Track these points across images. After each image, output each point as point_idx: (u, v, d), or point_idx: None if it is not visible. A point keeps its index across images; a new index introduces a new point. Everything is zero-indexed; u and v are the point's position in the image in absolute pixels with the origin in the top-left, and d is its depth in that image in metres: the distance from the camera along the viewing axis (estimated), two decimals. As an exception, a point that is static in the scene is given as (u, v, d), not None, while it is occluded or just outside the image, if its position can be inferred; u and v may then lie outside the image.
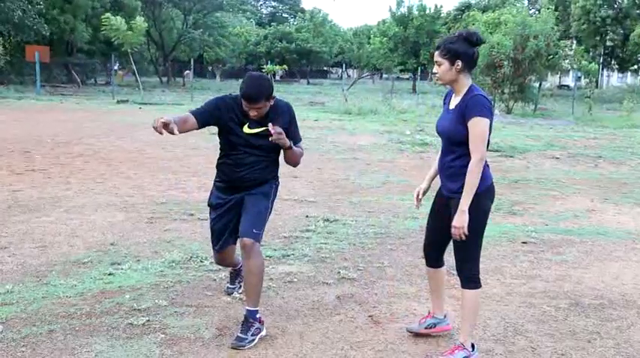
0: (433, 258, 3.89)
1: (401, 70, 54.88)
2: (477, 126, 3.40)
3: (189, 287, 4.70)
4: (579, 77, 33.58)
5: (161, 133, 3.47)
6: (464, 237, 3.46)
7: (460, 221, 3.45)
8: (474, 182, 3.45)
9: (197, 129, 3.87)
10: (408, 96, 34.92)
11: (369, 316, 4.28)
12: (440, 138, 3.69)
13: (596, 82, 44.16)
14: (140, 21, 31.59)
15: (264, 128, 3.86)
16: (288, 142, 3.87)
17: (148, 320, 4.06)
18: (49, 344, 3.68)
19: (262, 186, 4.06)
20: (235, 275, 4.59)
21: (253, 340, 3.76)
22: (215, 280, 4.87)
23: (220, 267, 4.78)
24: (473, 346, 3.63)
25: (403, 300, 4.59)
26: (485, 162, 3.53)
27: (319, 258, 5.53)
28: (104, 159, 10.85)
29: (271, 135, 3.76)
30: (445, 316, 4.01)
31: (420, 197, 3.91)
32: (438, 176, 3.79)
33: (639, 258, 5.86)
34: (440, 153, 3.74)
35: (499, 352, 3.78)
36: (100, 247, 5.69)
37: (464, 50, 3.46)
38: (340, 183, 9.38)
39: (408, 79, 63.32)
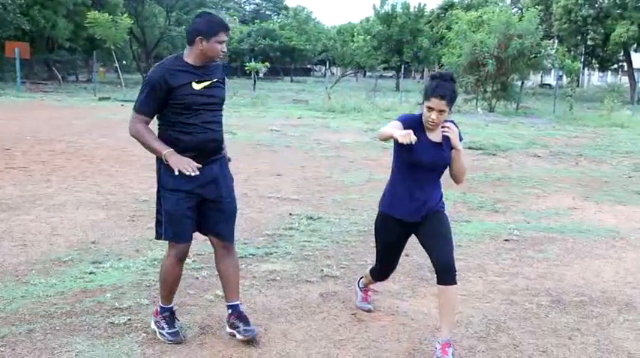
0: (385, 277, 4.25)
1: (384, 68, 55.00)
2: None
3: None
4: (561, 76, 33.84)
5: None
6: (453, 139, 3.60)
7: (456, 134, 3.62)
8: (465, 168, 3.77)
9: None
10: (392, 94, 35.00)
11: (353, 314, 4.28)
12: (408, 169, 3.69)
13: (578, 81, 44.56)
14: (125, 19, 31.43)
15: (212, 81, 3.68)
16: None
17: (130, 319, 4.02)
18: (28, 344, 3.64)
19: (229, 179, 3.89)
20: (172, 315, 3.90)
21: (257, 329, 3.86)
22: (197, 278, 4.84)
23: (201, 266, 4.74)
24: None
25: (386, 298, 4.59)
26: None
27: (302, 256, 5.52)
28: (86, 157, 10.75)
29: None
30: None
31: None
32: (396, 203, 3.77)
33: (619, 256, 5.92)
34: (409, 180, 3.70)
35: (481, 349, 3.80)
36: (81, 245, 5.63)
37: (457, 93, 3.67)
38: (323, 181, 9.37)
39: (391, 77, 63.53)
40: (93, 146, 12.08)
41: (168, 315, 3.85)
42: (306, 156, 11.87)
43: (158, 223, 3.76)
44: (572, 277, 5.23)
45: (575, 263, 5.64)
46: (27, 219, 6.50)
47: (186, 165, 3.50)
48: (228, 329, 3.86)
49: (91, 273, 4.87)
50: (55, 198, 7.47)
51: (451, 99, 3.55)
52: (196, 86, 3.60)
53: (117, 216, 6.75)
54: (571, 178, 10.44)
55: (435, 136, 3.65)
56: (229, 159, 3.99)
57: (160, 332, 3.79)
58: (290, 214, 7.06)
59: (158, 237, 3.80)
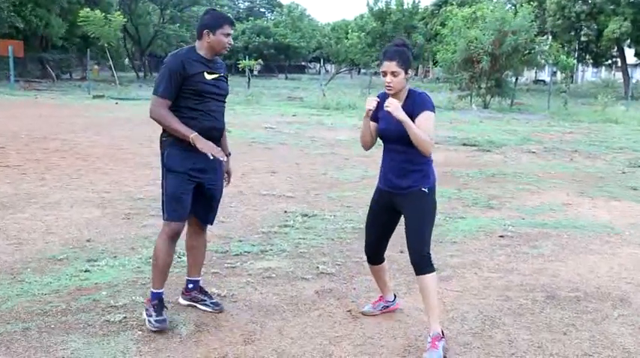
0: (376, 256, 4.11)
1: (379, 65, 55.00)
2: (429, 118, 3.67)
3: (167, 284, 4.65)
4: (555, 72, 33.91)
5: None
6: (392, 111, 3.59)
7: (397, 105, 3.62)
8: (421, 137, 3.58)
9: None
10: (386, 91, 34.93)
11: (348, 311, 4.28)
12: (384, 142, 3.86)
13: (572, 76, 44.65)
14: (119, 17, 31.33)
15: (219, 74, 4.00)
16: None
17: (125, 317, 4.02)
18: (23, 342, 3.64)
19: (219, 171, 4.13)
20: (161, 303, 4.00)
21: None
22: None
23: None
24: (442, 332, 3.74)
25: (378, 295, 4.59)
26: (432, 161, 3.84)
27: (298, 253, 5.53)
28: (80, 155, 10.73)
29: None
30: (395, 297, 4.29)
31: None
32: (381, 176, 3.92)
33: (614, 251, 5.94)
34: (386, 155, 3.87)
35: (477, 345, 3.81)
36: (76, 244, 5.62)
37: (412, 58, 3.74)
38: (318, 178, 9.38)
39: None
40: (87, 144, 12.05)
41: (157, 303, 3.95)
42: (301, 154, 11.87)
43: (163, 204, 3.99)
44: (566, 273, 5.24)
45: (569, 259, 5.66)
46: (22, 217, 6.49)
47: (214, 149, 3.81)
48: (184, 302, 4.27)
49: (86, 271, 4.86)
50: (50, 197, 7.46)
51: (402, 61, 3.66)
52: (208, 76, 3.90)
53: (112, 214, 6.74)
54: (565, 174, 10.47)
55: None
56: (229, 154, 4.24)
57: (147, 320, 3.90)
58: (285, 211, 7.06)
59: (165, 218, 3.99)
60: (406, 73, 3.70)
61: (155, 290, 3.99)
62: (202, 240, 4.28)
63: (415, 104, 3.68)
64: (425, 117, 3.64)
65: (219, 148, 3.89)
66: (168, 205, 3.93)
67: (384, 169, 3.89)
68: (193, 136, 3.78)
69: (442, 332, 3.71)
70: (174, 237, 3.98)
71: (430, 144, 3.61)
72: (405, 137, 3.62)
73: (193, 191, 3.98)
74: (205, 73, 3.88)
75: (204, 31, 3.88)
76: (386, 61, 3.68)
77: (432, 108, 3.71)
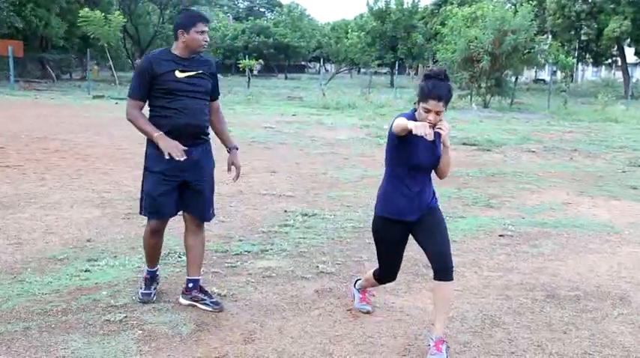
0: (393, 280, 4.13)
1: (378, 65, 54.95)
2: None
3: (167, 283, 4.67)
4: (555, 71, 33.91)
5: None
6: (445, 133, 3.54)
7: (448, 129, 3.56)
8: (450, 162, 3.73)
9: None
10: (386, 91, 34.99)
11: (348, 310, 4.29)
12: (409, 170, 3.69)
13: (572, 76, 44.65)
14: (119, 16, 31.30)
15: (197, 72, 4.03)
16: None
17: (126, 317, 4.03)
18: (24, 342, 3.64)
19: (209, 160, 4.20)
20: (152, 280, 4.40)
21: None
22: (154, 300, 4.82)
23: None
24: None
25: (381, 294, 4.60)
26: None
27: (298, 253, 5.53)
28: (80, 155, 10.73)
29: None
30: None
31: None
32: (396, 205, 3.75)
33: (614, 250, 5.95)
34: (409, 181, 3.70)
35: (477, 344, 3.81)
36: (76, 243, 5.63)
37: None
38: (318, 178, 9.38)
39: (385, 73, 63.48)
40: (87, 144, 12.05)
41: (148, 278, 4.36)
42: (301, 153, 11.87)
43: (141, 200, 4.22)
44: (566, 272, 5.25)
45: (569, 258, 5.66)
46: (22, 217, 6.49)
47: (174, 149, 3.85)
48: (184, 301, 4.28)
49: (86, 271, 4.87)
50: (50, 197, 7.46)
51: (447, 100, 3.53)
52: (179, 74, 3.96)
53: (112, 213, 6.74)
54: (565, 173, 10.47)
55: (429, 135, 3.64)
56: (236, 148, 4.34)
57: (137, 291, 4.34)
58: (285, 211, 7.06)
59: (140, 212, 4.27)
60: (446, 108, 3.55)
61: (148, 268, 4.38)
62: (200, 239, 4.30)
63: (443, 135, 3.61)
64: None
65: (184, 148, 3.87)
66: (144, 202, 4.16)
67: (397, 197, 3.73)
68: (156, 136, 3.90)
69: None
70: (156, 231, 4.25)
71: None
72: (437, 163, 3.71)
73: (180, 189, 4.08)
74: (177, 72, 3.94)
75: (179, 31, 3.97)
76: (433, 101, 3.46)
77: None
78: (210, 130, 4.26)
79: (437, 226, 3.74)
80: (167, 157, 3.84)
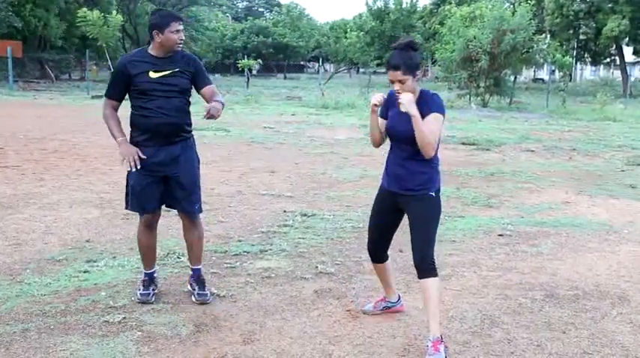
0: (379, 255, 4.07)
1: (378, 64, 54.81)
2: (437, 120, 3.60)
3: (166, 284, 4.67)
4: (553, 71, 33.92)
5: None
6: (404, 103, 3.55)
7: (409, 98, 3.57)
8: (427, 139, 3.55)
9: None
10: (385, 90, 34.59)
11: (347, 310, 4.28)
12: (391, 140, 3.81)
13: (570, 75, 44.66)
14: (117, 16, 31.24)
15: (172, 70, 4.08)
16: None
17: (125, 318, 4.02)
18: (23, 343, 3.64)
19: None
20: (150, 281, 4.44)
21: (211, 295, 4.36)
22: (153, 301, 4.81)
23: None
24: (441, 337, 3.69)
25: (381, 294, 4.59)
26: (438, 166, 3.79)
27: (297, 253, 5.53)
28: (79, 155, 10.73)
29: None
30: (399, 299, 4.24)
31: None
32: (385, 174, 3.88)
33: (613, 249, 5.95)
34: (392, 154, 3.82)
35: (476, 344, 3.81)
36: (75, 244, 5.62)
37: (418, 60, 3.63)
38: (318, 178, 9.38)
39: (384, 72, 63.35)
40: (86, 144, 12.05)
41: (146, 280, 4.41)
42: (300, 153, 11.87)
43: (126, 195, 4.32)
44: (565, 271, 5.25)
45: (568, 257, 5.66)
46: (20, 217, 6.49)
47: (130, 158, 4.06)
48: (188, 287, 4.47)
49: (85, 272, 4.86)
50: (49, 197, 7.46)
51: (407, 67, 3.55)
52: (153, 75, 4.04)
53: (111, 214, 6.74)
54: (564, 172, 10.47)
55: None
56: (220, 102, 4.16)
57: (135, 293, 4.36)
58: (284, 211, 7.06)
59: (125, 206, 4.40)
60: (414, 76, 3.59)
61: (145, 270, 4.45)
62: (196, 233, 4.41)
63: (426, 104, 3.61)
64: (433, 117, 3.58)
65: (142, 156, 4.06)
66: (132, 198, 4.26)
67: (388, 169, 3.85)
68: (118, 141, 4.12)
69: (441, 336, 3.68)
70: (148, 226, 4.38)
71: (432, 148, 3.57)
72: (413, 137, 3.58)
73: (164, 185, 4.21)
74: (150, 72, 4.03)
75: (154, 31, 4.04)
76: (390, 70, 3.60)
77: (442, 110, 3.65)
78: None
79: (419, 219, 3.71)
80: (123, 164, 4.10)
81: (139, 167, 4.06)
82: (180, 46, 4.11)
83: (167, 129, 4.08)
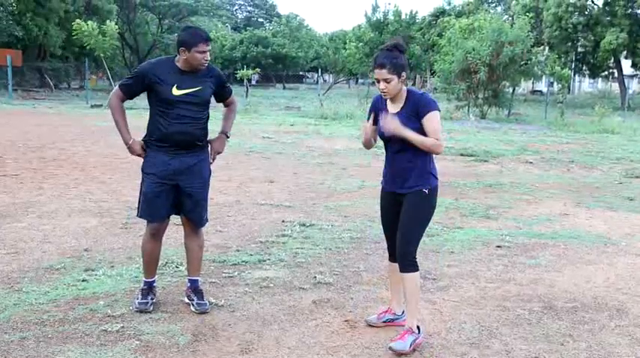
0: (392, 253, 4.09)
1: (371, 71, 54.85)
2: (435, 118, 3.72)
3: (164, 293, 4.67)
4: (552, 83, 34.03)
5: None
6: (392, 132, 3.68)
7: (395, 124, 3.67)
8: (427, 144, 3.70)
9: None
10: (384, 101, 34.97)
11: (345, 321, 4.28)
12: (384, 142, 3.94)
13: (568, 87, 44.75)
14: (112, 25, 31.24)
15: (195, 89, 4.17)
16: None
17: (123, 327, 4.02)
18: (21, 352, 3.63)
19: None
20: (149, 290, 4.44)
21: (209, 305, 4.36)
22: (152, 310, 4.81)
23: None
24: (419, 328, 3.85)
25: (379, 305, 4.60)
26: (434, 163, 3.90)
27: (295, 263, 5.53)
28: (78, 164, 10.73)
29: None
30: (403, 312, 4.18)
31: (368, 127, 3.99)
32: (383, 176, 4.02)
33: (611, 261, 5.95)
34: (388, 155, 3.95)
35: (474, 355, 3.81)
36: (73, 253, 5.62)
37: (405, 61, 3.72)
38: (316, 188, 9.39)
39: (383, 83, 63.43)
40: (85, 153, 12.06)
41: (145, 289, 4.42)
42: (299, 163, 11.88)
43: (138, 202, 4.39)
44: (563, 283, 5.25)
45: (566, 269, 5.67)
46: (19, 226, 6.49)
47: (135, 155, 4.30)
48: (185, 300, 4.47)
49: (83, 281, 4.86)
50: (47, 206, 7.45)
51: (393, 67, 3.65)
52: (176, 92, 4.12)
53: (109, 223, 6.74)
54: (562, 184, 10.49)
55: (394, 108, 3.82)
56: (226, 135, 4.52)
57: (133, 302, 4.37)
58: (283, 221, 7.06)
59: (137, 214, 4.46)
60: (400, 76, 3.69)
61: (145, 279, 4.46)
62: (197, 242, 4.46)
63: (419, 104, 3.73)
64: (432, 118, 3.70)
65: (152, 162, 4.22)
66: (140, 204, 4.34)
67: (385, 170, 3.97)
68: (131, 143, 4.25)
69: (418, 327, 3.82)
70: (154, 235, 4.38)
71: (439, 146, 3.71)
72: (401, 139, 3.71)
73: (175, 194, 4.25)
74: (174, 88, 4.11)
75: (181, 48, 4.11)
76: (376, 69, 3.70)
77: (436, 107, 3.75)
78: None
79: (406, 215, 3.83)
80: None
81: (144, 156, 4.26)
82: (205, 65, 4.18)
83: (183, 139, 4.16)
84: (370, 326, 4.19)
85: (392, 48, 3.70)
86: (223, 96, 4.49)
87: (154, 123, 4.20)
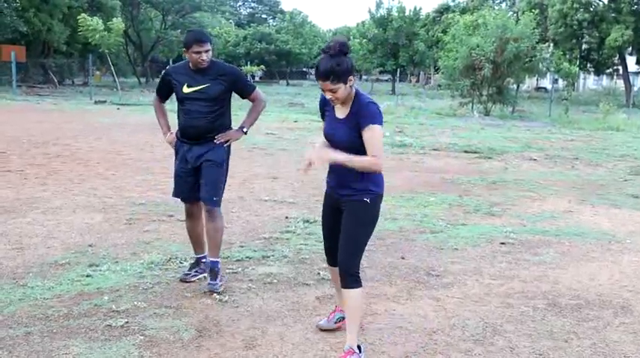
0: (332, 257, 3.81)
1: (380, 72, 54.98)
2: (375, 132, 3.40)
3: (169, 289, 4.67)
4: (556, 79, 33.96)
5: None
6: (316, 164, 3.49)
7: (325, 155, 3.49)
8: (365, 164, 3.43)
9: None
10: (388, 98, 35.02)
11: (349, 317, 4.27)
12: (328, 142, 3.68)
13: (573, 84, 44.66)
14: (118, 21, 31.22)
15: (203, 85, 4.56)
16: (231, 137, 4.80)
17: (127, 322, 4.03)
18: (25, 347, 3.64)
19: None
20: (196, 264, 4.93)
21: (221, 285, 4.62)
22: (194, 281, 4.84)
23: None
24: (359, 347, 3.60)
25: (383, 301, 4.60)
26: (380, 171, 3.57)
27: (299, 259, 5.53)
28: (82, 160, 10.75)
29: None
30: None
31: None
32: (327, 176, 3.80)
33: (615, 259, 5.94)
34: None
35: (478, 352, 3.81)
36: (77, 248, 5.63)
37: (350, 65, 3.38)
38: (320, 184, 9.33)
39: (387, 80, 63.56)
40: (89, 149, 12.07)
41: (194, 262, 4.94)
42: (302, 160, 11.85)
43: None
44: (568, 280, 5.25)
45: (570, 266, 5.66)
46: (23, 222, 6.50)
47: (170, 144, 4.85)
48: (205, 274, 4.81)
49: (88, 276, 4.87)
50: (52, 202, 7.47)
51: (337, 76, 3.33)
52: (186, 89, 4.58)
53: (113, 219, 6.75)
54: (567, 181, 10.47)
55: (341, 113, 3.54)
56: (243, 130, 4.88)
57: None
58: (286, 217, 7.07)
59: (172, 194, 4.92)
60: (346, 82, 3.36)
61: (194, 255, 4.98)
62: (211, 224, 4.65)
63: (360, 115, 3.42)
64: (371, 134, 3.39)
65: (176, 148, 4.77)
66: (174, 184, 4.82)
67: (328, 171, 3.76)
68: (165, 136, 4.85)
69: (359, 347, 3.57)
70: (189, 215, 4.86)
71: (378, 165, 3.43)
72: (345, 142, 3.47)
73: (194, 175, 4.67)
74: (184, 87, 4.58)
75: (184, 49, 4.55)
76: (320, 80, 3.38)
77: (379, 121, 3.43)
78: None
79: (347, 225, 3.57)
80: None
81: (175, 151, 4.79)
82: (204, 64, 4.50)
83: (192, 131, 4.61)
84: (367, 316, 4.18)
85: (335, 53, 3.35)
86: (243, 93, 4.79)
87: (178, 118, 4.68)
